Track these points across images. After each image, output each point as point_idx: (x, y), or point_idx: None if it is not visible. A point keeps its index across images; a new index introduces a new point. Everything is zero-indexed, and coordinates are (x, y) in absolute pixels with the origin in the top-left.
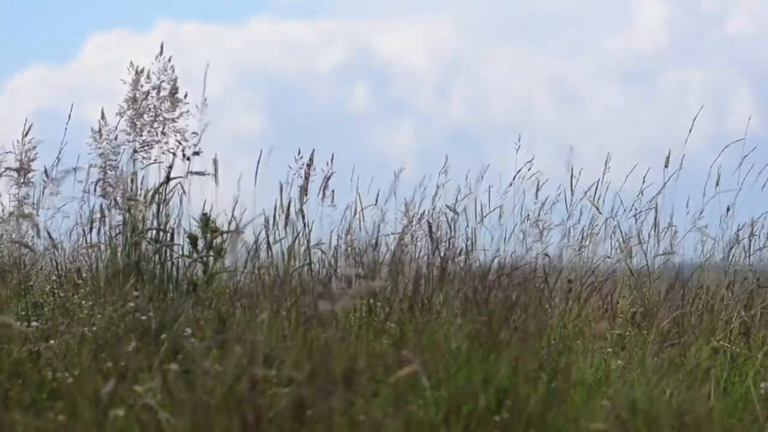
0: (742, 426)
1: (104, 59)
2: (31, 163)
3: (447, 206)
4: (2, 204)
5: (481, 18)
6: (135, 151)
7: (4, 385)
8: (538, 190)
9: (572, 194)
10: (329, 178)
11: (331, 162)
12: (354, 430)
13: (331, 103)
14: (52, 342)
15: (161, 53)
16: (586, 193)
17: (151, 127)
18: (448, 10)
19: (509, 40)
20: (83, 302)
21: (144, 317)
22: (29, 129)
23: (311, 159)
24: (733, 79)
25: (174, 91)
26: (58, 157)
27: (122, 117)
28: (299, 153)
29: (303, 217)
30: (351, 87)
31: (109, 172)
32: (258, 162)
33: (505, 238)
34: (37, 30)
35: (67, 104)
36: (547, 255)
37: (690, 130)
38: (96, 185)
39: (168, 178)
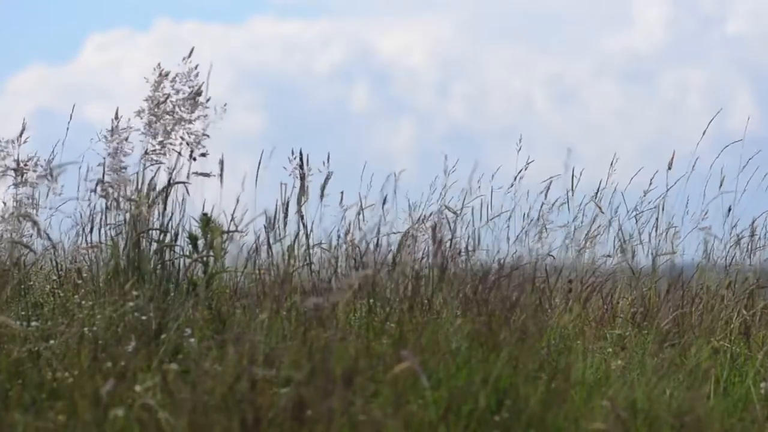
0: (742, 426)
1: (104, 59)
2: (29, 162)
3: (446, 207)
4: (3, 203)
5: (481, 18)
6: (146, 152)
7: (4, 385)
8: (546, 191)
9: (572, 194)
10: (328, 178)
11: (327, 162)
12: (354, 430)
13: (331, 102)
14: (51, 342)
15: (189, 56)
16: (592, 197)
17: (166, 128)
18: (448, 10)
19: (509, 40)
20: (83, 302)
21: (144, 317)
22: (23, 128)
23: (301, 159)
24: (733, 79)
25: (197, 93)
26: (53, 157)
27: (141, 118)
28: (293, 153)
29: (302, 218)
30: (351, 87)
31: (111, 173)
32: (259, 163)
33: (509, 238)
34: (37, 30)
35: (66, 104)
36: (550, 255)
37: (704, 132)
38: (97, 185)
39: (174, 180)
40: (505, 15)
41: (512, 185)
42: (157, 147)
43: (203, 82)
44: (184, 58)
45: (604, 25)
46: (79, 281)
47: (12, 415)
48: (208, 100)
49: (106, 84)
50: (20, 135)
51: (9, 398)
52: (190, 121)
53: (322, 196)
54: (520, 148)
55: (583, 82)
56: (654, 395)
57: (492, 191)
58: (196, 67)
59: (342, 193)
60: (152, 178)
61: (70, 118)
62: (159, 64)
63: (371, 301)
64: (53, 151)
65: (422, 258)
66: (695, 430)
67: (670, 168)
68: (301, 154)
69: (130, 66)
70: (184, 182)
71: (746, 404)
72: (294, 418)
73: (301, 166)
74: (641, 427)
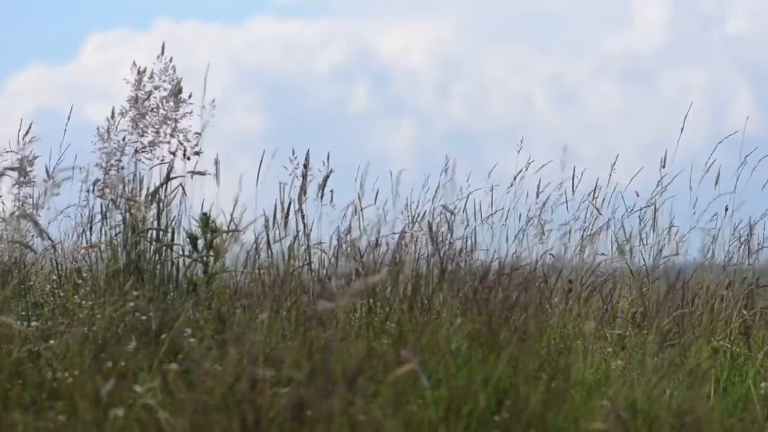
0: (742, 426)
1: (104, 59)
2: (33, 161)
3: (443, 206)
4: (2, 204)
5: (481, 18)
6: (137, 151)
7: (4, 385)
8: (539, 191)
9: (573, 194)
10: (327, 177)
11: (327, 161)
12: (354, 430)
13: (331, 102)
14: (52, 342)
15: (162, 53)
16: (589, 194)
17: (153, 127)
18: (448, 10)
19: (509, 40)
20: (83, 302)
21: (144, 317)
22: (29, 128)
23: (306, 159)
24: (733, 79)
25: (178, 91)
26: (59, 158)
27: (124, 117)
28: (293, 153)
29: (303, 217)
30: (351, 87)
31: (109, 173)
32: (260, 162)
33: (508, 238)
34: (37, 30)
35: (66, 104)
36: (550, 254)
37: (681, 129)
38: (94, 186)
39: (168, 178)
40: (505, 15)
41: (511, 185)
42: (147, 146)
43: (181, 78)
44: (158, 56)
45: (604, 25)
46: (79, 281)
47: (12, 415)
48: (189, 96)
49: (106, 84)
50: (25, 134)
51: (9, 398)
52: (176, 120)
53: (321, 195)
54: (520, 149)
55: (583, 82)
56: (654, 395)
57: (493, 190)
58: (170, 60)
59: (342, 193)
60: (143, 177)
61: (68, 120)
62: (134, 62)
63: (371, 301)
64: (54, 151)
65: (419, 258)
66: (695, 430)
67: (663, 166)
68: (307, 154)
69: (130, 66)
70: (179, 176)
71: (746, 404)
72: (294, 418)
73: (305, 166)
74: (641, 427)
